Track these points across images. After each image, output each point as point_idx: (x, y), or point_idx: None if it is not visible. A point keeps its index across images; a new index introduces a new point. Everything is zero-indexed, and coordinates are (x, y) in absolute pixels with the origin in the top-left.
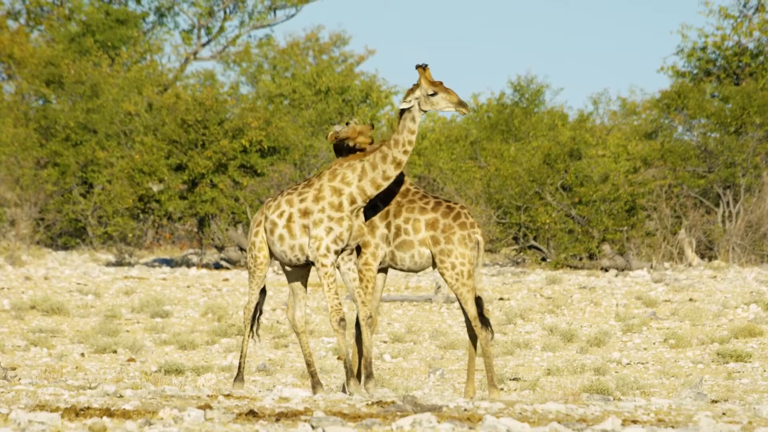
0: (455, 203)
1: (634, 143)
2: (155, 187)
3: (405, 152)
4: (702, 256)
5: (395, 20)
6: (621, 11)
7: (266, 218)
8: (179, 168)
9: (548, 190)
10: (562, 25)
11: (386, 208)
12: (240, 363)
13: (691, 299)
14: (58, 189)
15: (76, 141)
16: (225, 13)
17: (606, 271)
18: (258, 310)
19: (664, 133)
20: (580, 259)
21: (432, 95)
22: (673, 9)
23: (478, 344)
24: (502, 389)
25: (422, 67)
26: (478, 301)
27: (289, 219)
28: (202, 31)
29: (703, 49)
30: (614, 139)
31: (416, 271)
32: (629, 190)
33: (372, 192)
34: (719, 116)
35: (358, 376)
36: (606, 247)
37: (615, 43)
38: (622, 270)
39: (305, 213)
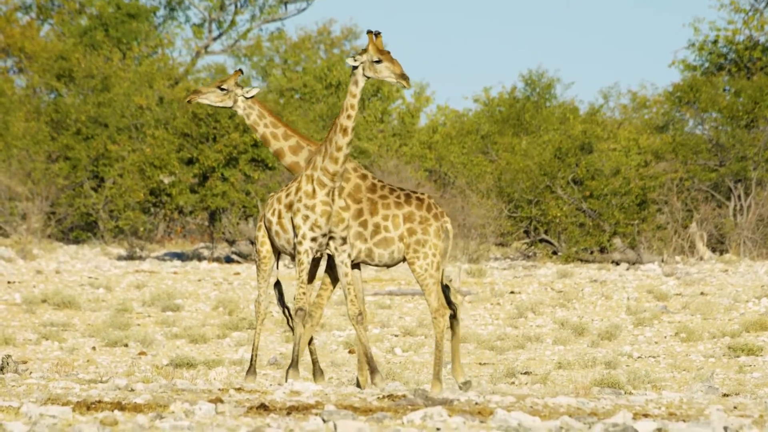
0: (422, 194)
1: (646, 137)
2: (166, 179)
3: (348, 117)
4: (713, 250)
5: (407, 15)
6: (631, 5)
7: (264, 216)
8: (190, 162)
9: (559, 184)
10: (572, 19)
11: (359, 207)
12: (252, 356)
13: (702, 293)
14: (70, 183)
15: (88, 135)
16: (236, 6)
17: (617, 264)
18: (282, 304)
19: (675, 126)
20: (591, 252)
21: (377, 62)
22: (684, 3)
23: (435, 335)
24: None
25: (374, 34)
26: (446, 290)
27: (279, 215)
28: (213, 25)
29: (715, 42)
30: (625, 133)
31: (391, 266)
32: (640, 183)
33: (333, 168)
34: (731, 110)
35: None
36: (617, 241)
37: (625, 37)
38: (633, 264)
39: (290, 207)
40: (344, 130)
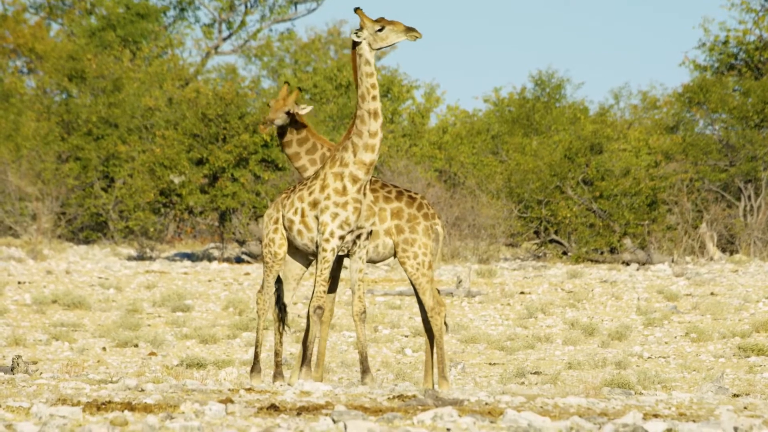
0: (415, 193)
1: (656, 137)
2: (176, 179)
3: (374, 98)
4: (723, 250)
5: (417, 15)
6: (642, 5)
7: (283, 216)
8: (200, 162)
9: (569, 184)
10: (582, 20)
11: None
12: (256, 353)
13: (712, 293)
14: (80, 183)
15: (98, 135)
16: (246, 7)
17: (627, 265)
18: (281, 301)
19: (685, 127)
20: (602, 253)
21: (380, 31)
22: (694, 3)
23: (434, 333)
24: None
25: (361, 10)
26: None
27: (303, 214)
28: (223, 26)
29: (725, 43)
30: (635, 133)
31: (376, 262)
32: (650, 184)
33: (370, 157)
34: (741, 110)
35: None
36: (627, 241)
37: (635, 37)
38: (644, 264)
39: (314, 205)
40: (375, 114)
